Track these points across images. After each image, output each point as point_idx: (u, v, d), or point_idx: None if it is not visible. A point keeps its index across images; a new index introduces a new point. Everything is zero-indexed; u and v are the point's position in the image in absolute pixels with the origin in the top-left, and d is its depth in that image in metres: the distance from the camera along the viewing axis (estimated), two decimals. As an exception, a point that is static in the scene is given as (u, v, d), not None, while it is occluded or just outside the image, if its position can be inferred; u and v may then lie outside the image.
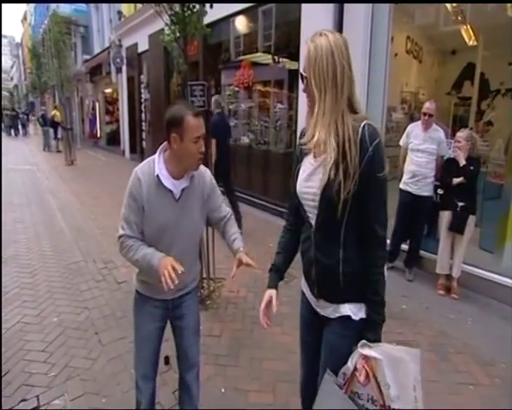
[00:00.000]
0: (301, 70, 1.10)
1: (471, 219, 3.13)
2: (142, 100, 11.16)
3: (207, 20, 4.81)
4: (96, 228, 5.02)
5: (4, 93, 52.60)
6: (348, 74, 1.05)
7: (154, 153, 1.45)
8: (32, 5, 28.86)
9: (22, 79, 42.56)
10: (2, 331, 2.58)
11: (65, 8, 17.06)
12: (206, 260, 3.13)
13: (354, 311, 1.15)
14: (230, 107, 7.01)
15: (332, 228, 1.12)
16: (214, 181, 1.58)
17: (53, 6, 17.03)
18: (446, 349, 2.49)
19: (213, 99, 4.87)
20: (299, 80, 1.15)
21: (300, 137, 1.24)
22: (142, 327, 1.56)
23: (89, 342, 2.52)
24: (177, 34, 3.21)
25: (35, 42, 19.39)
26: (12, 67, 59.06)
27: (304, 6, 4.72)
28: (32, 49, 17.64)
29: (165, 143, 1.41)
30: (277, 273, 1.37)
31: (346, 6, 4.09)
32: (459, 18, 4.61)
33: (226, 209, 1.64)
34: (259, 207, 5.85)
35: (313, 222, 1.16)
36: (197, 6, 3.15)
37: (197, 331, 1.68)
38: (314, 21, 4.57)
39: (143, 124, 11.27)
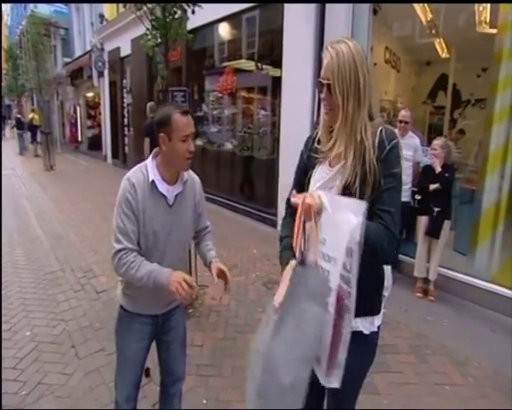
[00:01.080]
0: (321, 77, 1.07)
1: (446, 224, 3.22)
2: (125, 104, 10.95)
3: (190, 25, 4.80)
4: (76, 235, 4.83)
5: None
6: (369, 82, 1.04)
7: (138, 158, 1.40)
8: (9, 4, 27.76)
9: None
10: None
11: (44, 9, 16.51)
12: (187, 267, 3.06)
13: (366, 325, 1.12)
14: (214, 113, 6.97)
15: None
16: (200, 183, 1.54)
17: (31, 6, 16.46)
18: (424, 351, 2.53)
19: (148, 105, 5.39)
20: (317, 89, 1.10)
21: (307, 144, 1.20)
22: (129, 347, 1.46)
23: (64, 356, 2.39)
24: (159, 40, 3.16)
25: (11, 43, 18.68)
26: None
27: (286, 14, 4.77)
28: (8, 51, 16.98)
29: (157, 148, 1.37)
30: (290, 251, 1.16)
31: (327, 17, 4.16)
32: (433, 31, 4.79)
33: (207, 222, 1.60)
34: (243, 213, 5.82)
35: None
36: (179, 12, 3.11)
37: (184, 344, 1.62)
38: (296, 30, 4.63)
39: (126, 129, 11.04)
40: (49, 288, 3.35)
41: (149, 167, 1.33)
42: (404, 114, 3.53)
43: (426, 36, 4.88)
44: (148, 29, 3.16)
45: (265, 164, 5.67)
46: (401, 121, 3.52)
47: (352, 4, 3.95)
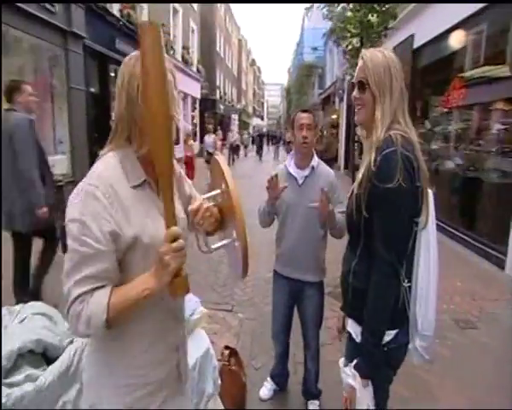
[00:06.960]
0: (355, 77, 1.02)
1: None
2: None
3: (416, 44, 4.39)
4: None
5: (274, 121, 70.40)
6: (402, 86, 0.94)
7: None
8: (293, 59, 35.61)
9: (285, 111, 54.27)
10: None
11: (310, 57, 19.91)
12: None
13: (356, 332, 0.98)
14: (436, 128, 5.79)
15: (353, 237, 1.00)
16: (336, 181, 1.60)
17: (303, 57, 20.44)
18: None
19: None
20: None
21: None
22: (275, 298, 1.75)
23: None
24: None
25: (290, 84, 24.23)
26: (280, 103, 77.40)
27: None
28: (286, 89, 22.25)
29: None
30: None
31: None
32: None
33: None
34: (461, 242, 4.49)
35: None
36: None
37: (317, 324, 1.68)
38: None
39: (356, 144, 11.37)
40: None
41: (288, 157, 1.66)
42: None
43: None
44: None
45: (497, 189, 4.13)
46: None
47: None
